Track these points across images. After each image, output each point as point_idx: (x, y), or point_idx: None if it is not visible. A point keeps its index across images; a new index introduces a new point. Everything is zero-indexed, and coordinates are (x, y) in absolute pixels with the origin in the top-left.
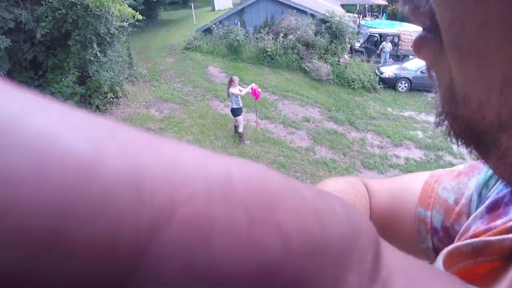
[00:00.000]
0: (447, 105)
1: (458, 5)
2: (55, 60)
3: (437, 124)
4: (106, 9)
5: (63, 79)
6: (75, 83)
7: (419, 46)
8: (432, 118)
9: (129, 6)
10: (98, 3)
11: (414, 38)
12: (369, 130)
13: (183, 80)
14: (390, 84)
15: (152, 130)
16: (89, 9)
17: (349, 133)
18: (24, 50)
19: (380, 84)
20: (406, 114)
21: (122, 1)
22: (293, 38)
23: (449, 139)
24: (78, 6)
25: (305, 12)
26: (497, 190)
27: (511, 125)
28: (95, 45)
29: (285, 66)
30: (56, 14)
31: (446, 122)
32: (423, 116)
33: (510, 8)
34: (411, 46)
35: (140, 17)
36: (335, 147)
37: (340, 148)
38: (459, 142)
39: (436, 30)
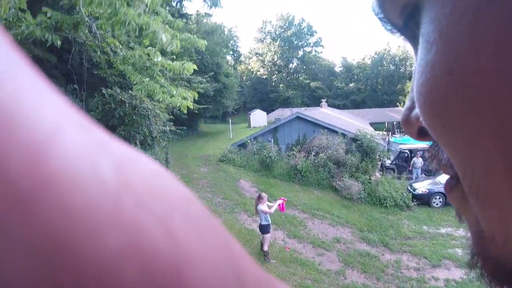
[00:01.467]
0: (477, 246)
1: (466, 156)
2: None
3: (471, 267)
4: (152, 112)
5: None
6: None
7: (449, 191)
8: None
9: (170, 119)
10: (146, 89)
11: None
12: (404, 251)
13: (214, 190)
14: (424, 200)
15: None
16: (136, 109)
17: (383, 255)
18: None
19: (413, 201)
20: (443, 231)
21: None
22: (324, 157)
23: (483, 282)
24: (127, 104)
25: (336, 132)
26: None
27: None
28: (138, 142)
29: (315, 184)
30: (106, 107)
31: (479, 264)
32: (461, 231)
33: (508, 151)
34: None
35: (193, 106)
36: (367, 271)
37: (373, 272)
38: (492, 284)
39: (457, 176)
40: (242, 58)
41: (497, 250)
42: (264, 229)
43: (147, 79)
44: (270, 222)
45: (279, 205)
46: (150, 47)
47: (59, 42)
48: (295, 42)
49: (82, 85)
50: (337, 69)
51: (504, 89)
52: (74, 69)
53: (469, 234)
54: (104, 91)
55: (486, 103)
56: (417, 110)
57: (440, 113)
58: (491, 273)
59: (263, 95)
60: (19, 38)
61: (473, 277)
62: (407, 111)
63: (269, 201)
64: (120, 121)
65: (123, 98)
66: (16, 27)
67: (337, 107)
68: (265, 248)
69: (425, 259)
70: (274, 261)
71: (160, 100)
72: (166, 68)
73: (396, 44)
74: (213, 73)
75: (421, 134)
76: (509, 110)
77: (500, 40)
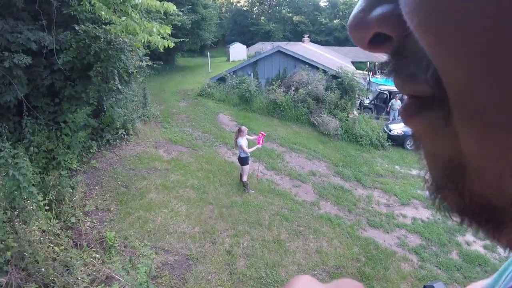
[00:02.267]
0: (449, 180)
1: (481, 65)
2: (73, 91)
3: (433, 201)
4: (128, 45)
5: (78, 109)
6: (89, 115)
7: (410, 115)
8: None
9: (146, 54)
10: (126, 31)
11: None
12: (376, 188)
13: (194, 124)
14: (398, 141)
15: (159, 170)
16: (111, 43)
17: (356, 189)
18: (44, 76)
19: (388, 142)
20: (414, 172)
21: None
22: (304, 92)
23: (448, 216)
24: (102, 39)
25: (317, 68)
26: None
27: None
28: (116, 77)
29: (294, 119)
30: (80, 43)
31: (446, 198)
32: None
33: None
34: None
35: (172, 44)
36: (340, 203)
37: (345, 205)
38: (463, 220)
39: (439, 98)
40: None
41: (482, 188)
42: (243, 161)
43: (124, 17)
44: (249, 154)
45: (258, 138)
46: None
47: None
48: None
49: (51, 25)
50: (322, 4)
51: None
52: (42, 10)
53: (427, 164)
54: (77, 27)
55: None
56: (376, 12)
57: (450, 24)
58: (464, 208)
59: (243, 28)
60: None
61: (439, 219)
62: (362, 13)
63: (248, 135)
64: (96, 57)
65: (97, 33)
66: None
67: (320, 43)
68: (245, 179)
69: (395, 197)
70: (253, 191)
71: (142, 40)
72: (146, 5)
73: None
74: (190, 5)
75: (374, 43)
76: None
77: None
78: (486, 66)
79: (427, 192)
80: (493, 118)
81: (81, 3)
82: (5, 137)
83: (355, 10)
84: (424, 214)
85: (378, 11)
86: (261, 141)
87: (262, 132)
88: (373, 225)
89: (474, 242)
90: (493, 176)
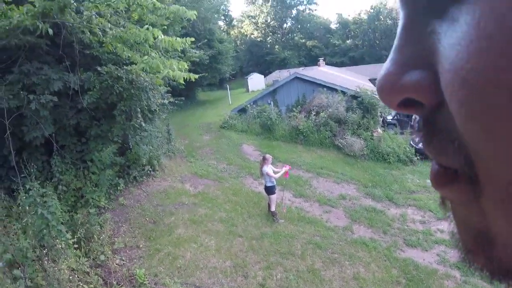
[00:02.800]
0: (478, 247)
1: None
2: (98, 130)
3: (463, 259)
4: (149, 83)
5: (104, 148)
6: (115, 153)
7: (441, 184)
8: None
9: (167, 91)
10: (150, 68)
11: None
12: (410, 205)
13: (218, 157)
14: (427, 154)
15: (186, 204)
16: (133, 83)
17: (389, 209)
18: (69, 116)
19: (416, 156)
20: None
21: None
22: (325, 115)
23: (480, 275)
24: (124, 79)
25: (335, 90)
26: None
27: None
28: (139, 115)
29: (318, 144)
30: (103, 84)
31: (475, 260)
32: None
33: None
34: None
35: (194, 76)
36: (374, 225)
37: (379, 226)
38: (492, 278)
39: (469, 175)
40: (234, 22)
41: (506, 257)
42: (269, 190)
43: (146, 56)
44: (275, 183)
45: (284, 173)
46: (148, 26)
47: (50, 30)
48: (288, 1)
49: (75, 67)
50: (333, 26)
51: None
52: (65, 53)
53: (457, 227)
54: (99, 69)
55: None
56: (411, 78)
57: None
58: (493, 270)
59: (259, 58)
60: (7, 28)
61: None
62: (395, 76)
63: (272, 164)
64: (119, 97)
65: (119, 74)
66: (3, 19)
67: (335, 65)
68: (273, 208)
69: (430, 212)
70: (283, 221)
71: (166, 76)
72: (167, 44)
73: None
74: (206, 40)
75: (405, 105)
76: None
77: None
78: None
79: (457, 250)
80: None
81: (103, 46)
82: (34, 176)
83: (386, 71)
84: None
85: (414, 76)
86: (286, 174)
87: (287, 166)
88: (411, 244)
89: None
90: None
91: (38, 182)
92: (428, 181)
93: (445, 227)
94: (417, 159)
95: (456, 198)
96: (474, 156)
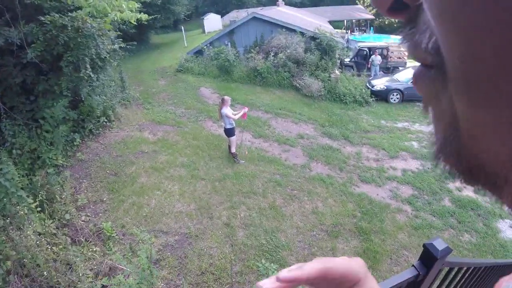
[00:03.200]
0: (449, 144)
1: (476, 36)
2: (46, 85)
3: (436, 162)
4: (97, 29)
5: (55, 103)
6: (67, 107)
7: (415, 80)
8: (426, 128)
9: (117, 36)
10: (96, 12)
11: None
12: (364, 144)
13: (176, 102)
14: (382, 96)
15: (146, 152)
16: (79, 31)
17: (344, 147)
18: (14, 74)
19: (372, 97)
20: (400, 125)
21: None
22: (284, 57)
23: (451, 177)
24: (69, 28)
25: (294, 31)
26: None
27: None
28: (88, 65)
29: (276, 85)
30: (47, 35)
31: (446, 161)
32: (417, 126)
33: None
34: (399, 58)
35: (145, 17)
36: (331, 163)
37: (336, 164)
38: (464, 181)
39: (439, 66)
40: None
41: (476, 153)
42: (229, 132)
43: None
44: (234, 125)
45: (243, 115)
46: None
47: None
48: None
49: (16, 20)
50: None
51: None
52: (5, 6)
53: (434, 128)
54: (43, 18)
55: None
56: None
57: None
58: (463, 171)
59: None
60: None
61: (428, 168)
62: None
63: (231, 105)
64: (65, 47)
65: (64, 22)
66: None
67: (295, 5)
68: (233, 150)
69: (383, 151)
70: (244, 162)
71: (115, 18)
72: None
73: None
74: None
75: (394, 10)
76: None
77: None
78: (484, 40)
79: (432, 156)
80: (483, 90)
81: None
82: None
83: None
84: (414, 165)
85: None
86: (244, 116)
87: (246, 107)
88: (365, 180)
89: (465, 188)
90: (485, 144)
91: None
92: (382, 121)
93: (397, 165)
94: (372, 100)
95: (428, 90)
96: (443, 49)
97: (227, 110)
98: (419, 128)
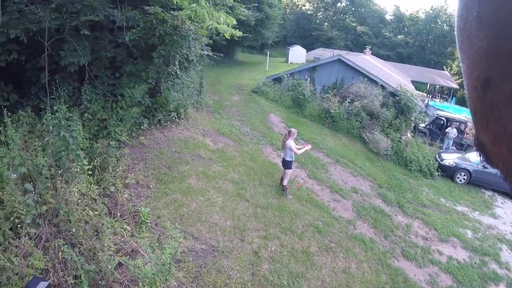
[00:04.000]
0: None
1: None
2: (133, 68)
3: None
4: (193, 32)
5: (136, 86)
6: (145, 94)
7: None
8: (486, 219)
9: (208, 44)
10: (195, 16)
11: None
12: (417, 218)
13: (244, 120)
14: (448, 173)
15: (203, 158)
16: (177, 29)
17: (396, 215)
18: (107, 49)
19: (438, 171)
20: (459, 208)
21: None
22: (359, 105)
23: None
24: (169, 23)
25: (375, 82)
26: None
27: None
28: (176, 63)
29: (345, 131)
30: (147, 24)
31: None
32: (477, 215)
33: None
34: None
35: (239, 34)
36: (378, 227)
37: (382, 229)
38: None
39: None
40: None
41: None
42: (287, 164)
43: (194, 4)
44: (294, 159)
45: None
46: None
47: None
48: None
49: (122, 4)
50: (388, 17)
51: None
52: None
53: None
54: (146, 8)
55: None
56: None
57: None
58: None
59: (305, 31)
60: None
61: (475, 263)
62: None
63: (296, 139)
64: (161, 40)
65: (165, 17)
66: None
67: (381, 57)
68: (285, 183)
69: (435, 231)
70: (291, 197)
71: (209, 27)
72: None
73: (455, 3)
74: (256, 3)
75: None
76: None
77: None
78: None
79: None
80: None
81: None
82: (63, 100)
83: None
84: (462, 255)
85: None
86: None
87: (309, 145)
88: (407, 256)
89: None
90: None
91: (66, 106)
92: (442, 199)
93: (444, 250)
94: (438, 174)
95: None
96: None
97: (291, 143)
98: (478, 217)
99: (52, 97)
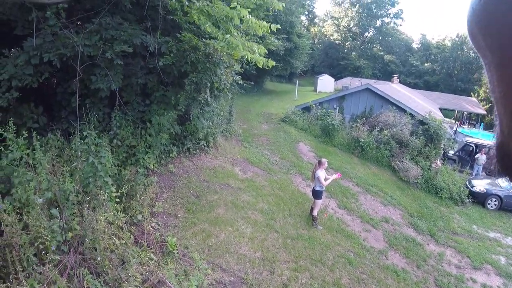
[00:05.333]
0: (500, 150)
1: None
2: (163, 95)
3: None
4: (225, 62)
5: (165, 113)
6: (175, 122)
7: None
8: None
9: (238, 73)
10: (229, 47)
11: None
12: (449, 246)
13: (273, 149)
14: (479, 199)
15: (232, 187)
16: (209, 57)
17: (428, 244)
18: (139, 75)
19: (469, 198)
20: (492, 235)
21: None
22: (388, 134)
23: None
24: (201, 51)
25: (404, 111)
26: None
27: None
28: (208, 90)
29: (374, 160)
30: (179, 51)
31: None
32: (509, 240)
33: None
34: None
35: (272, 63)
36: (410, 256)
37: (415, 259)
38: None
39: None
40: (316, 20)
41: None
42: (317, 194)
43: (228, 35)
44: (324, 189)
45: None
46: (236, 5)
47: None
48: (375, 11)
49: (155, 31)
50: (415, 45)
51: None
52: (148, 15)
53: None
54: (179, 35)
55: None
56: None
57: None
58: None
59: (334, 60)
60: None
61: None
62: None
63: (326, 170)
64: (193, 67)
65: (198, 44)
66: None
67: (409, 85)
68: (315, 213)
69: (467, 259)
70: (322, 228)
71: (246, 57)
72: (252, 25)
73: None
74: (286, 35)
75: None
76: None
77: None
78: None
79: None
80: None
81: (187, 15)
82: (93, 125)
83: None
84: (496, 282)
85: None
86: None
87: (339, 174)
88: (441, 285)
89: None
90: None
91: (96, 131)
92: (474, 226)
93: (478, 277)
94: (469, 201)
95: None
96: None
97: (321, 173)
98: (511, 243)
99: (82, 121)
